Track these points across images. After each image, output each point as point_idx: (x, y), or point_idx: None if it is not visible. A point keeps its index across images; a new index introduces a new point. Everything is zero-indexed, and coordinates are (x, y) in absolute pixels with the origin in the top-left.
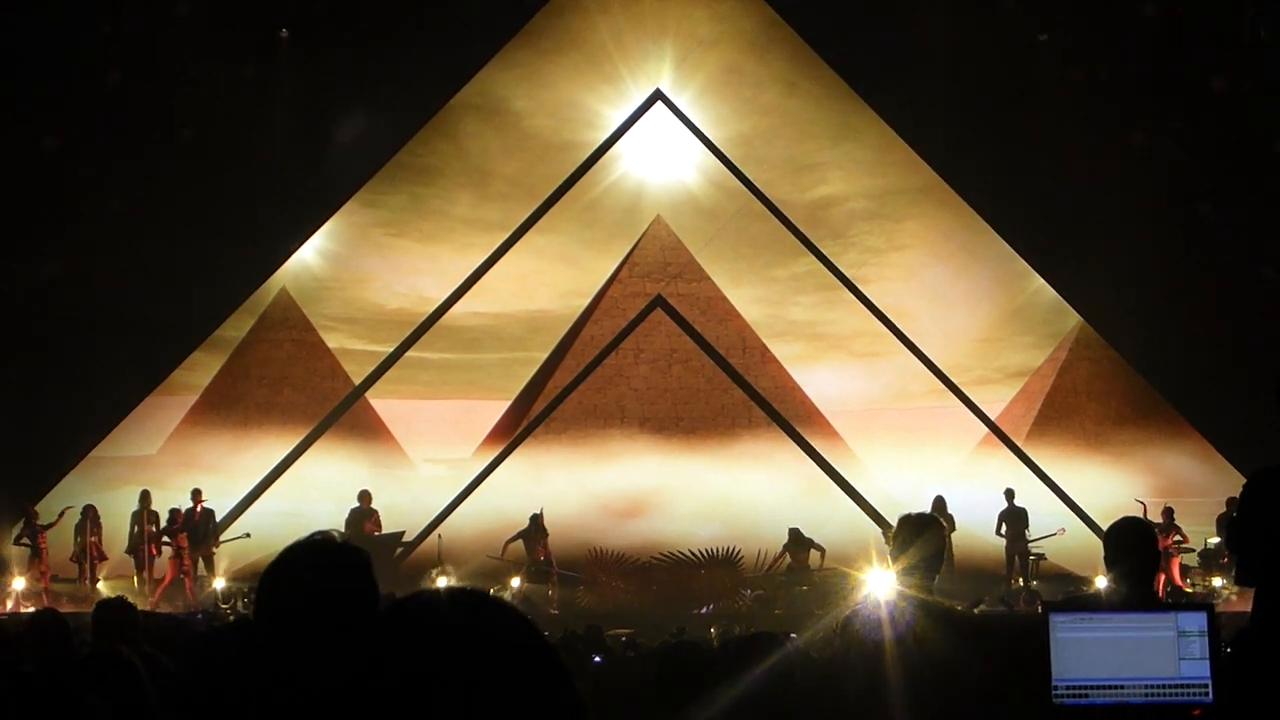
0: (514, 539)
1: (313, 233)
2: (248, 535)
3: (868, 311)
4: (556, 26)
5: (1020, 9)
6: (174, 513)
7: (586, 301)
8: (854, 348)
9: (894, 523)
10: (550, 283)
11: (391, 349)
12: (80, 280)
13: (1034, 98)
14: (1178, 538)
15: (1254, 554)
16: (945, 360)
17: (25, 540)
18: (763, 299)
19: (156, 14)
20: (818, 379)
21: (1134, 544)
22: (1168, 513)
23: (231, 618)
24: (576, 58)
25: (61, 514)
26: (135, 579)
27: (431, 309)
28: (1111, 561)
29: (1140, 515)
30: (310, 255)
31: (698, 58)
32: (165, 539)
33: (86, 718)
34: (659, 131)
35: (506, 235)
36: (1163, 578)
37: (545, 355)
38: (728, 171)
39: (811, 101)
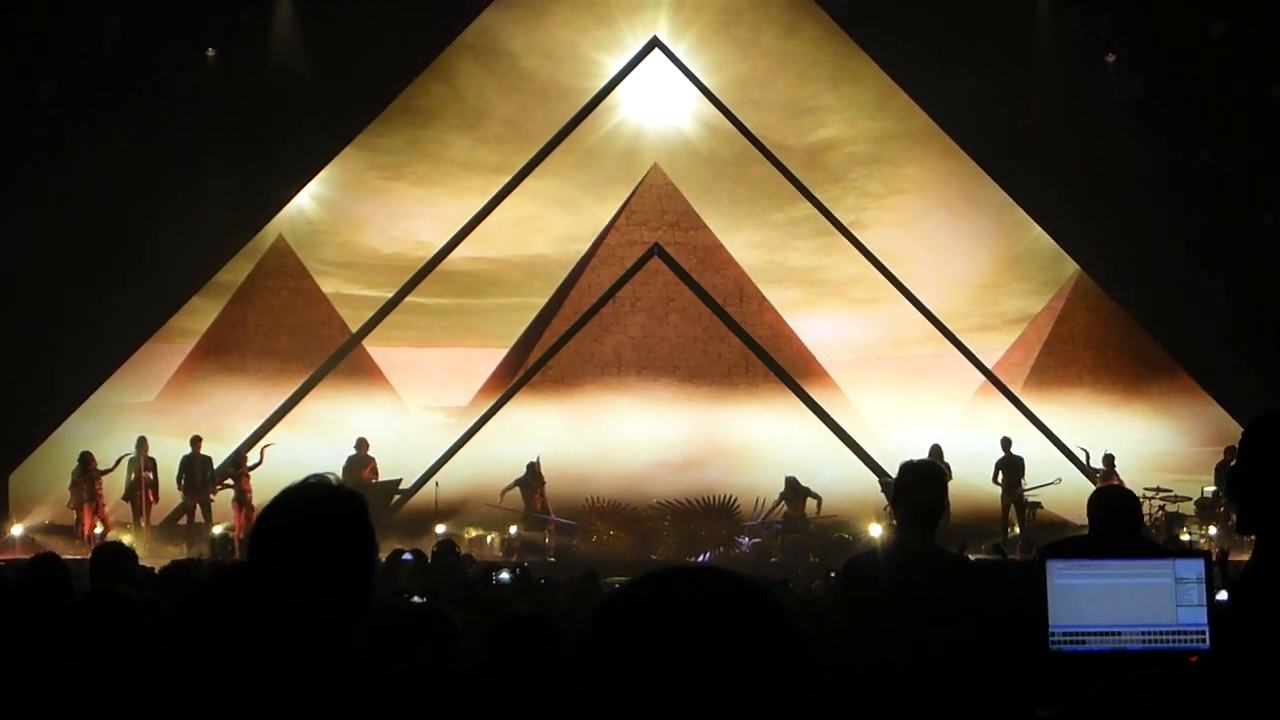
0: (511, 487)
1: (312, 177)
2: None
3: (872, 253)
4: None
5: None
6: (239, 454)
7: (583, 247)
8: (852, 294)
9: (891, 471)
10: (547, 228)
11: (387, 294)
12: (75, 227)
13: (1033, 46)
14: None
15: (1254, 502)
16: (944, 307)
17: (229, 483)
18: (761, 244)
19: None
20: (815, 326)
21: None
22: (1108, 459)
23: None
24: (574, 3)
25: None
26: (133, 526)
27: (427, 253)
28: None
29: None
30: (305, 201)
31: (695, 3)
32: (229, 483)
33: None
34: (656, 79)
35: (502, 179)
36: None
37: (542, 301)
38: (725, 119)
39: (810, 44)
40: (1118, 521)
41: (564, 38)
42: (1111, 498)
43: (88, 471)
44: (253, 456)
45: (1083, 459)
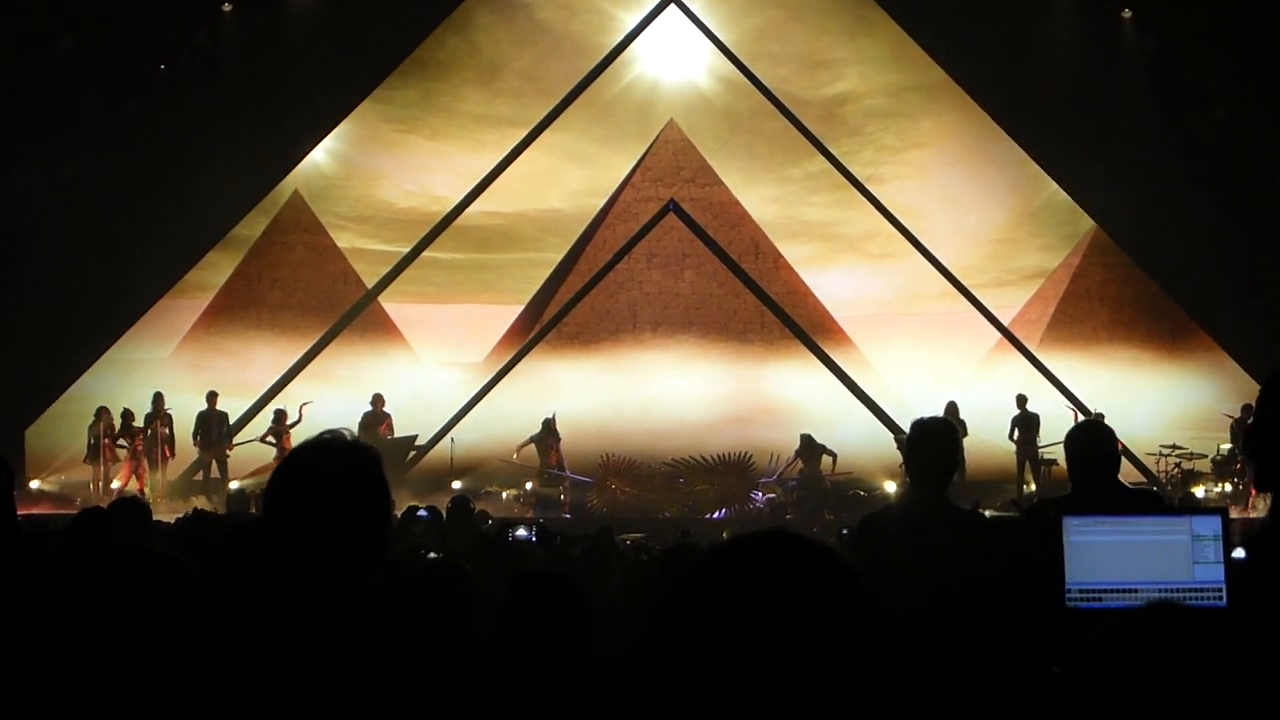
0: (526, 444)
1: (328, 132)
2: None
3: (886, 208)
4: None
5: None
6: (279, 413)
7: (599, 202)
8: (868, 249)
9: (906, 428)
10: (562, 182)
11: (402, 248)
12: (91, 183)
13: (1051, 4)
14: None
15: (1272, 459)
16: (960, 261)
17: (122, 442)
18: (777, 199)
19: None
20: (831, 282)
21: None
22: (1100, 417)
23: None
24: None
25: (301, 408)
26: (149, 480)
27: (442, 208)
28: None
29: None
30: (320, 155)
31: None
32: (270, 440)
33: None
34: (673, 34)
35: (517, 132)
36: None
37: (557, 257)
38: (741, 74)
39: None
40: (1094, 463)
41: None
42: (1085, 439)
43: (129, 428)
44: (291, 414)
45: (1072, 418)
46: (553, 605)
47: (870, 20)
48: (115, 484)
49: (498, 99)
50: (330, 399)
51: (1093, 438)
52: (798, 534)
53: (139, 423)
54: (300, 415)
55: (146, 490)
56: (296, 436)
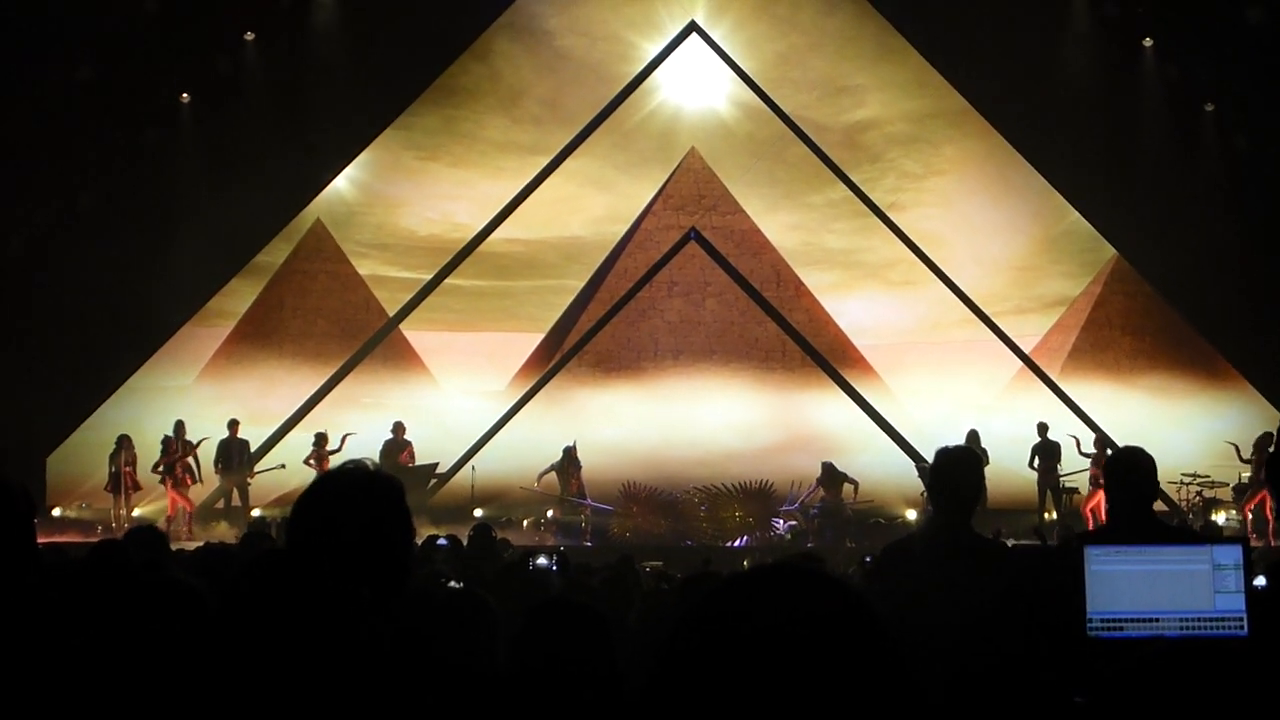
0: (547, 471)
1: (351, 160)
2: (282, 466)
3: (907, 235)
4: None
5: None
6: (320, 436)
7: (620, 229)
8: (890, 277)
9: (928, 457)
10: (583, 209)
11: (423, 276)
12: (114, 210)
13: (1071, 32)
14: None
15: None
16: (982, 289)
17: (311, 463)
18: (798, 226)
19: None
20: (852, 309)
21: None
22: (1099, 443)
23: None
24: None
25: (199, 442)
26: (168, 507)
27: (463, 235)
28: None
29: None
30: (342, 182)
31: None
32: (310, 463)
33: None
34: (694, 61)
35: (538, 159)
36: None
37: (578, 284)
38: (762, 102)
39: (849, 21)
40: (1128, 493)
41: (600, 16)
42: (1124, 465)
43: (169, 453)
44: (333, 440)
45: (1074, 447)
46: (569, 633)
47: (892, 46)
48: (256, 511)
49: (518, 126)
50: (352, 426)
51: (1130, 469)
52: (815, 568)
53: (143, 447)
54: (342, 444)
55: (148, 510)
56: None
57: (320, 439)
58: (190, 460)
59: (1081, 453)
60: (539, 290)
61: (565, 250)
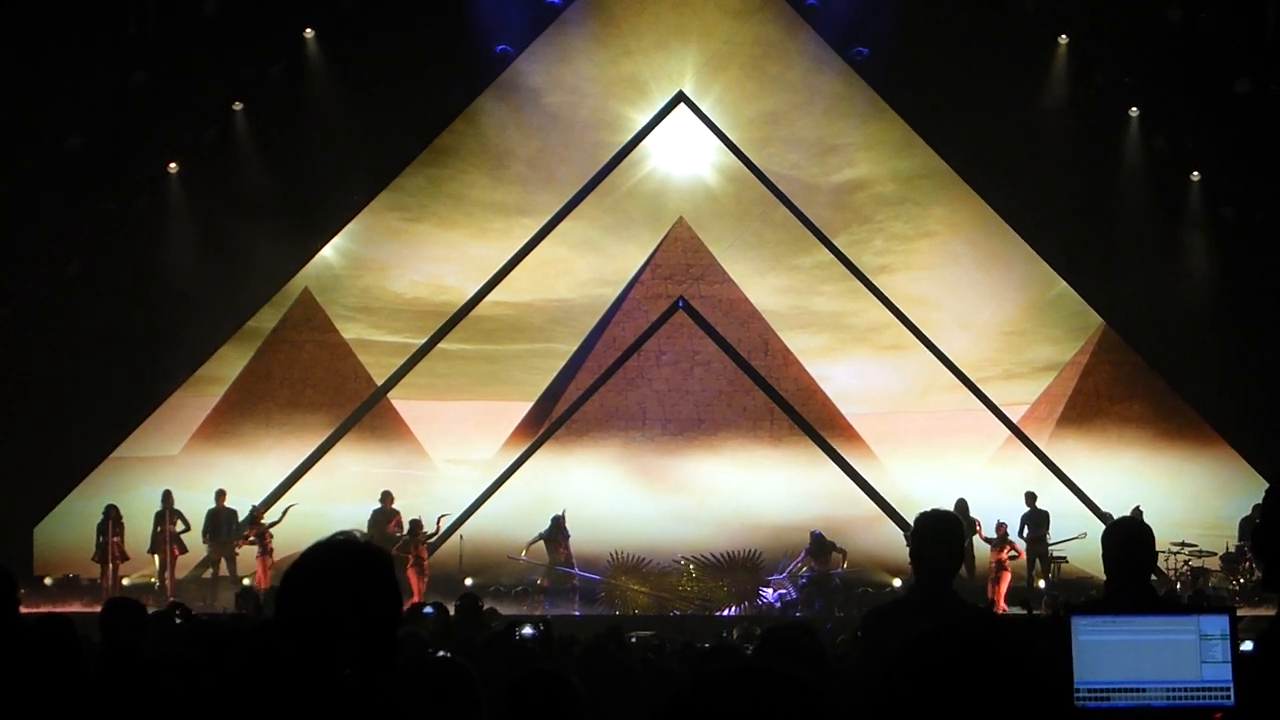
0: (535, 540)
1: (339, 230)
2: (290, 507)
3: (893, 302)
4: (577, 30)
5: (1041, 13)
6: (414, 523)
7: (607, 291)
8: (880, 341)
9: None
10: (570, 271)
11: (410, 339)
12: (99, 280)
13: (1053, 102)
14: (1012, 552)
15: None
16: (972, 353)
17: (251, 539)
18: (787, 289)
19: (179, 12)
20: (841, 374)
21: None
22: (1001, 527)
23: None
24: (599, 57)
25: (285, 511)
26: (155, 579)
27: (449, 297)
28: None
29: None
30: (328, 249)
31: (722, 54)
32: (251, 540)
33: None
34: (681, 130)
35: (525, 220)
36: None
37: (565, 348)
38: (750, 169)
39: (840, 79)
40: (1128, 559)
41: (589, 73)
42: (1122, 536)
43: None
44: (273, 514)
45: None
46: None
47: (881, 105)
48: (246, 581)
49: (504, 186)
50: (339, 496)
51: (1126, 539)
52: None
53: (129, 518)
54: (283, 516)
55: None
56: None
57: (257, 515)
58: (174, 529)
59: (984, 538)
60: (525, 355)
61: (552, 314)
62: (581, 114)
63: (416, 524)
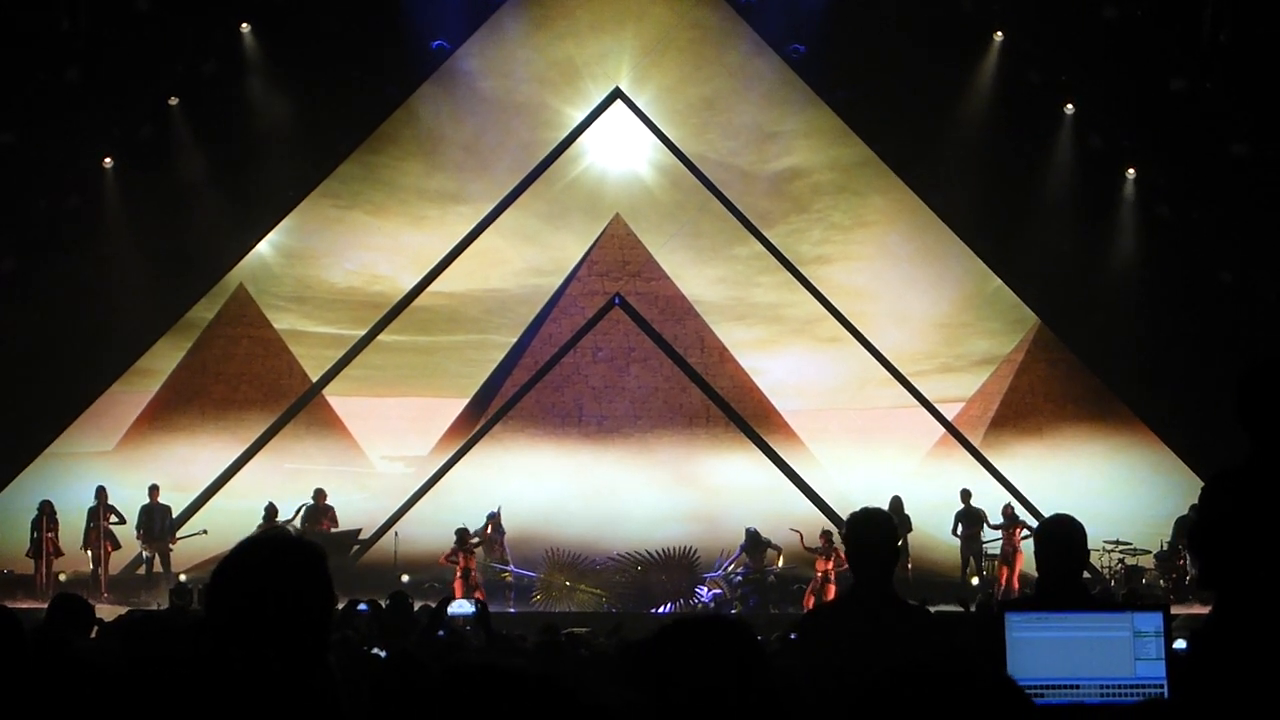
0: (470, 538)
1: (275, 224)
2: (204, 532)
3: (830, 295)
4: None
5: (976, 11)
6: (461, 532)
7: (543, 281)
8: (818, 333)
9: None
10: (506, 260)
11: (343, 330)
12: (31, 277)
13: (989, 98)
14: (1024, 532)
15: (1215, 557)
16: (909, 346)
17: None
18: (724, 279)
19: (113, 8)
20: (777, 368)
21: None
22: (1007, 510)
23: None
24: (535, 39)
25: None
26: (90, 575)
27: (383, 287)
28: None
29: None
30: (264, 245)
31: (661, 43)
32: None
33: None
34: (618, 125)
35: (460, 208)
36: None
37: (502, 339)
38: (687, 161)
39: (778, 65)
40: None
41: (523, 56)
42: (1055, 533)
43: (98, 521)
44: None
45: (1002, 516)
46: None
47: (817, 100)
48: (182, 577)
49: (439, 173)
50: (275, 492)
51: (1058, 537)
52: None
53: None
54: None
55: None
56: (220, 528)
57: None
58: (108, 525)
59: (992, 526)
60: (461, 346)
61: (488, 304)
62: (516, 99)
63: (463, 533)
